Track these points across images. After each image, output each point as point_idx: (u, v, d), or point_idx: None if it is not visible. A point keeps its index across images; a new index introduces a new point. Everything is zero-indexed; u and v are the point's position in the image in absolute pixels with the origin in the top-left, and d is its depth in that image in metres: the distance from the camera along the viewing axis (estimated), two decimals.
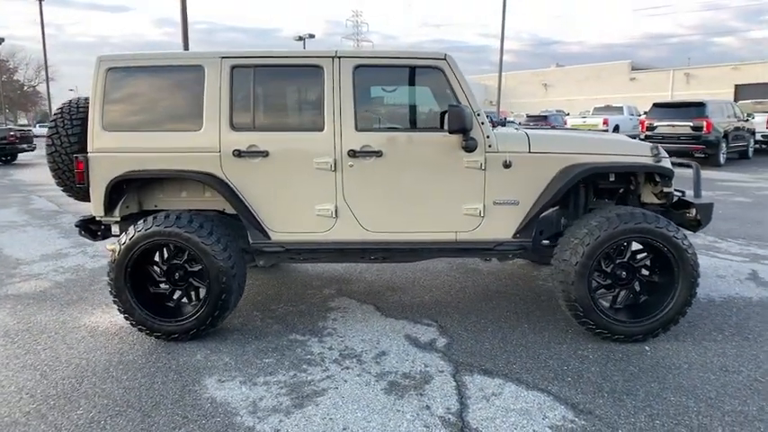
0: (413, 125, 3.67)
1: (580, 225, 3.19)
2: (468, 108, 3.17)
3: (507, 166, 3.28)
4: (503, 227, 3.34)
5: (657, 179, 3.45)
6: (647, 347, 3.13)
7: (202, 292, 3.36)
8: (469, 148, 3.20)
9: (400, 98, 3.73)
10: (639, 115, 22.26)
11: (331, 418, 2.45)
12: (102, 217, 3.44)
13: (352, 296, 4.13)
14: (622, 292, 3.29)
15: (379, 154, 3.25)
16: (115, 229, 3.57)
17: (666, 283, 3.17)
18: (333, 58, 3.25)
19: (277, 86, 3.45)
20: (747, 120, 14.74)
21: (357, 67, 3.26)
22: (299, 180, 3.30)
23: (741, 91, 32.78)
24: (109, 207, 3.39)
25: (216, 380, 2.82)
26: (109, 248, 3.68)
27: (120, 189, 3.41)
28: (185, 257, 3.29)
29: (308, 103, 3.43)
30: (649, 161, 3.36)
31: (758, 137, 15.56)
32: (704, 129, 12.76)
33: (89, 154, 3.33)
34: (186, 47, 13.33)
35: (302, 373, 2.89)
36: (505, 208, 3.32)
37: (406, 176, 3.29)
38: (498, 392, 2.66)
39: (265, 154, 3.26)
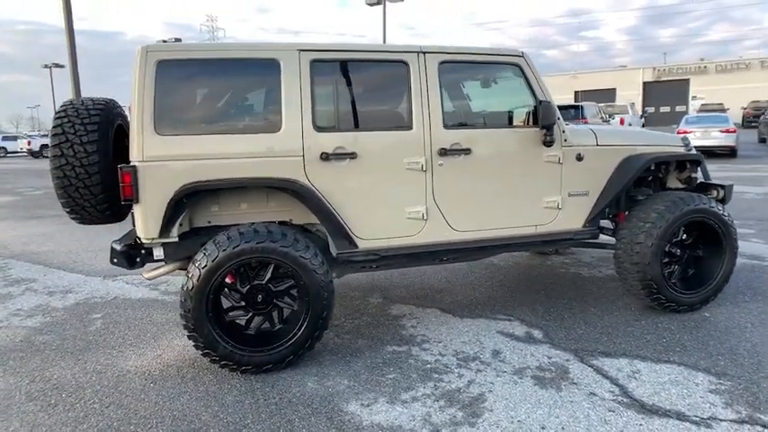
0: (496, 121, 3.66)
1: (646, 210, 3.48)
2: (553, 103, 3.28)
3: (580, 159, 3.45)
4: (575, 217, 3.52)
5: (687, 165, 3.91)
6: (706, 314, 3.53)
7: (285, 314, 3.01)
8: (551, 142, 3.32)
9: (482, 94, 3.72)
10: None
11: (519, 420, 2.36)
12: (154, 239, 2.88)
13: (406, 302, 3.98)
14: (676, 268, 3.66)
15: (467, 152, 3.21)
16: (158, 252, 3.02)
17: (711, 256, 3.60)
18: (418, 53, 3.13)
19: (360, 82, 3.22)
20: (608, 121, 17.17)
21: (442, 62, 3.18)
22: (390, 182, 3.11)
23: (579, 96, 37.99)
24: (165, 226, 2.86)
25: (358, 405, 2.55)
26: (147, 276, 3.12)
27: (179, 203, 2.89)
28: (268, 276, 2.90)
29: (394, 101, 3.26)
30: (683, 150, 3.80)
31: None
32: None
33: (138, 164, 2.77)
34: (73, 52, 11.43)
35: (441, 382, 2.73)
36: (578, 199, 3.49)
37: (493, 173, 3.29)
38: (637, 370, 2.79)
39: (353, 156, 3.03)
